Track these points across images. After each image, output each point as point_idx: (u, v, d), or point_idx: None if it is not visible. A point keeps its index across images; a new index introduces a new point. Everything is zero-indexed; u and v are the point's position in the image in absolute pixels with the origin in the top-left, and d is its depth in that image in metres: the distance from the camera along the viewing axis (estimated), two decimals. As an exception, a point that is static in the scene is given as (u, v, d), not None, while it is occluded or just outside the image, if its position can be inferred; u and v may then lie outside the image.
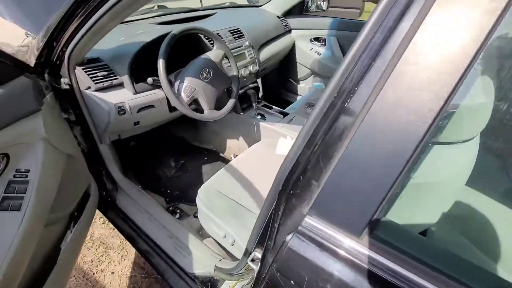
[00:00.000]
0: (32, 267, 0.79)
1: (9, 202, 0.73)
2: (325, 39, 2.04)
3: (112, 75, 1.12)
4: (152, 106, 1.25)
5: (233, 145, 1.79)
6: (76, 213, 1.08)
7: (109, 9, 0.80)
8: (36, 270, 0.83)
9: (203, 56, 1.20)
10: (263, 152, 1.37)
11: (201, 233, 1.34)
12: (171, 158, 1.79)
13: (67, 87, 1.11)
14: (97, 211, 1.28)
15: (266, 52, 1.81)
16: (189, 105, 1.14)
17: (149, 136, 1.53)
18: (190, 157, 1.81)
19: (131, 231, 1.30)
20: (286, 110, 1.73)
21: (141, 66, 1.19)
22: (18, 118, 0.79)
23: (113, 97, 1.11)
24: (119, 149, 1.43)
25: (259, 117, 1.59)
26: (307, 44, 2.12)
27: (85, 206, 1.11)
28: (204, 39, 1.41)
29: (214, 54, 1.22)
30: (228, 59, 1.31)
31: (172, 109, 1.35)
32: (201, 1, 1.93)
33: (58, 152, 0.91)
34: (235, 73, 1.31)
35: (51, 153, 0.86)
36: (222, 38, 1.51)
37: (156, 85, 1.15)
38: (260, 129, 1.57)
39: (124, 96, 1.14)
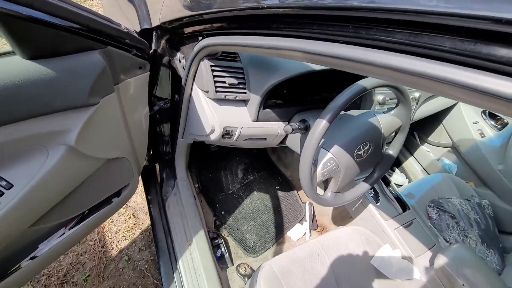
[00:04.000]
0: None
1: None
2: (507, 123, 1.43)
3: (241, 86, 0.76)
4: (263, 139, 0.90)
5: (315, 193, 1.42)
6: (87, 212, 0.76)
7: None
8: None
9: (371, 120, 0.77)
10: (357, 249, 1.00)
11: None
12: (241, 165, 1.48)
13: (179, 67, 0.78)
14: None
15: (425, 110, 1.29)
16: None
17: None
18: (260, 176, 1.48)
19: (163, 236, 1.08)
20: (400, 187, 1.29)
21: (279, 90, 0.81)
22: (56, 109, 0.50)
23: (228, 117, 0.77)
24: (195, 147, 1.15)
25: (371, 192, 1.17)
26: (474, 115, 1.51)
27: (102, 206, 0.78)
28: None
29: (388, 122, 0.79)
30: (396, 133, 0.86)
31: (282, 142, 0.99)
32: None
33: (86, 161, 0.61)
34: (392, 153, 0.87)
35: (68, 165, 0.57)
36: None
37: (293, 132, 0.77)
38: (364, 209, 1.16)
39: (241, 120, 0.79)
